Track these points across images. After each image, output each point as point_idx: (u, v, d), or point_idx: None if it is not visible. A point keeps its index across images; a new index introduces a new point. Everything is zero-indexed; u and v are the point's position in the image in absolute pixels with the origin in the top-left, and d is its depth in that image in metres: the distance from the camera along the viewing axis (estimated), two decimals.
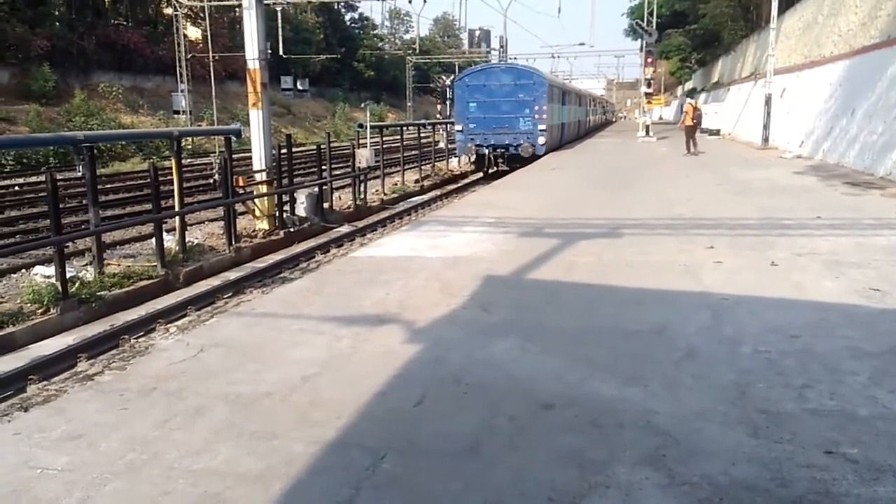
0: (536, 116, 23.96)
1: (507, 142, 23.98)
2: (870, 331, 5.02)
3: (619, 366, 4.48)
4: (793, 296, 6.02)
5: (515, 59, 67.00)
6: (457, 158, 26.41)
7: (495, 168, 24.52)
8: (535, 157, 23.41)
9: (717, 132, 34.60)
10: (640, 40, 42.34)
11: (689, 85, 67.47)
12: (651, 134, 33.65)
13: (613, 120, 71.07)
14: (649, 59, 34.44)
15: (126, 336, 7.35)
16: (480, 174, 25.46)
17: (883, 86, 15.83)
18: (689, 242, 8.40)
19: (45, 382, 5.99)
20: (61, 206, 11.62)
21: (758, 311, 5.56)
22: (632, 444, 3.44)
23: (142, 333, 7.60)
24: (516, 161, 23.39)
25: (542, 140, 23.98)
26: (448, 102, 71.21)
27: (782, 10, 26.74)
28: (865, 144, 16.25)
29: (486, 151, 24.09)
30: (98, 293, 8.76)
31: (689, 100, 28.01)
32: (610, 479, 3.13)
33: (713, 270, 7.00)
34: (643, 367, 4.43)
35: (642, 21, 33.74)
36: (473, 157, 24.47)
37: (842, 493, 2.97)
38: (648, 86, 35.05)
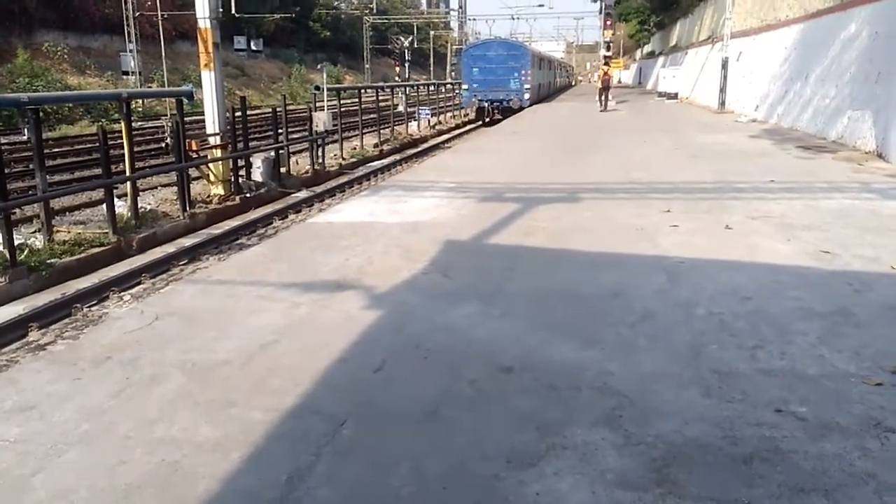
0: (523, 78, 31.86)
1: (501, 97, 31.69)
2: (819, 292, 5.17)
3: (577, 329, 4.53)
4: (746, 258, 6.14)
5: (475, 20, 66.71)
6: (416, 122, 27.37)
7: (490, 118, 31.67)
8: (520, 109, 30.89)
9: (675, 96, 34.87)
10: (599, 2, 42.26)
11: (647, 48, 67.75)
12: (610, 98, 33.74)
13: (573, 83, 71.39)
14: (608, 22, 34.50)
15: (78, 305, 7.19)
16: (443, 137, 27.44)
17: (836, 50, 16.08)
18: (646, 206, 8.50)
19: None
20: (7, 170, 11.20)
21: (712, 274, 5.67)
22: (588, 406, 3.50)
23: (95, 302, 7.43)
24: (508, 112, 30.46)
25: (527, 96, 32.09)
26: (407, 65, 70.70)
27: None
28: (818, 108, 16.56)
29: (486, 105, 31.90)
30: (48, 261, 8.53)
31: (602, 66, 32.92)
32: (567, 440, 3.18)
33: (669, 234, 7.10)
34: (600, 330, 4.49)
35: None
36: (475, 108, 32.45)
37: (790, 449, 3.06)
38: (608, 49, 35.10)
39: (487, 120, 31.69)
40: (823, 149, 13.91)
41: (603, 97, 28.77)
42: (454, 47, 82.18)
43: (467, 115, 34.75)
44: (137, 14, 37.31)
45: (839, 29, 16.05)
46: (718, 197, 9.06)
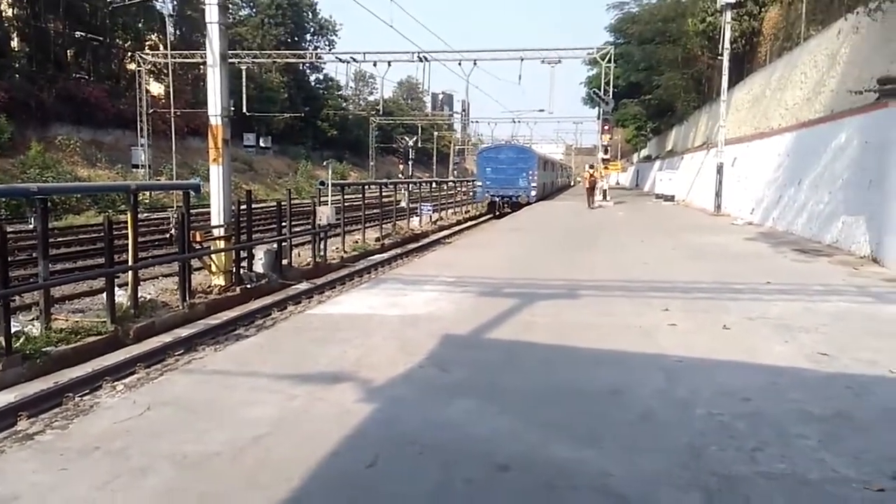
0: (531, 177, 35.96)
1: (511, 194, 35.87)
2: (818, 394, 5.12)
3: (576, 427, 4.47)
4: (744, 359, 6.11)
5: (477, 122, 69.66)
6: (418, 217, 27.81)
7: (500, 211, 35.62)
8: (528, 204, 34.59)
9: (672, 198, 35.57)
10: (597, 108, 43.78)
11: (644, 152, 69.61)
12: (608, 198, 34.45)
13: (572, 184, 73.09)
14: (606, 127, 35.59)
15: (70, 394, 7.10)
16: (445, 232, 27.90)
17: (827, 157, 16.53)
18: (645, 305, 8.52)
19: None
20: (10, 258, 11.31)
21: (711, 374, 5.64)
22: None
23: (87, 391, 7.35)
24: (517, 206, 34.23)
25: (534, 193, 36.06)
26: (410, 163, 72.59)
27: (732, 83, 27.94)
28: (812, 213, 16.85)
29: (497, 200, 36.31)
30: (43, 349, 8.49)
31: (588, 168, 36.13)
32: None
33: (668, 333, 7.09)
34: (599, 429, 4.43)
35: (599, 90, 34.92)
36: (487, 203, 37.02)
37: None
38: (605, 152, 36.18)
39: (498, 213, 35.66)
40: (819, 252, 14.07)
41: (591, 196, 32.03)
42: (457, 147, 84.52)
43: (468, 211, 38.19)
44: (151, 111, 38.63)
45: (831, 138, 16.56)
46: (716, 297, 9.10)
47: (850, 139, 15.18)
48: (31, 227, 9.41)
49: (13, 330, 8.28)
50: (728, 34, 26.18)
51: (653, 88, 46.51)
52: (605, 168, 37.14)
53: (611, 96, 34.76)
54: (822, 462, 3.93)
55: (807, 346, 6.53)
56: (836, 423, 4.54)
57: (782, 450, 4.10)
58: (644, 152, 70.01)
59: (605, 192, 35.14)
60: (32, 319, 9.65)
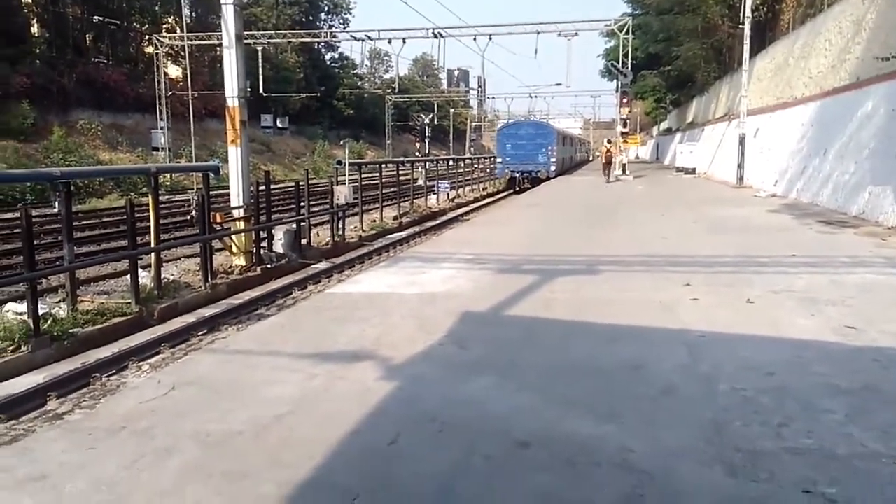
0: (550, 153, 36.32)
1: (530, 169, 36.20)
2: (845, 368, 5.04)
3: (596, 403, 4.45)
4: (769, 333, 6.04)
5: (493, 98, 69.26)
6: (435, 195, 27.66)
7: (520, 186, 36.09)
8: (548, 179, 34.94)
9: (693, 171, 35.12)
10: (615, 81, 43.26)
11: (664, 125, 68.79)
12: (628, 172, 34.12)
13: (590, 158, 72.52)
14: (625, 100, 35.12)
15: (97, 374, 7.20)
16: (462, 210, 27.51)
17: (853, 126, 16.20)
18: (666, 279, 8.45)
19: (12, 422, 5.82)
20: (36, 242, 11.45)
21: (734, 349, 5.58)
22: (608, 484, 3.40)
23: (113, 371, 7.44)
24: (536, 182, 34.65)
25: (553, 168, 36.38)
26: (427, 140, 72.38)
27: (754, 52, 27.41)
28: (838, 184, 16.56)
29: (517, 175, 36.71)
30: (70, 330, 8.60)
31: (605, 143, 35.89)
32: None
33: (690, 307, 7.02)
34: (620, 405, 4.40)
35: (617, 63, 34.43)
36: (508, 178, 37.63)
37: None
38: (624, 125, 35.72)
39: (518, 189, 35.97)
40: (845, 224, 13.84)
41: (607, 171, 32.08)
42: (473, 124, 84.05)
43: (485, 188, 38.01)
44: (170, 94, 38.78)
45: (856, 106, 16.21)
46: (740, 271, 8.99)
47: (877, 107, 14.86)
48: (55, 210, 9.49)
49: (41, 312, 8.39)
50: (749, 1, 25.61)
51: (672, 59, 45.79)
52: (625, 142, 36.73)
53: (629, 68, 34.22)
54: (849, 436, 3.88)
55: (833, 319, 6.44)
56: (863, 396, 4.48)
57: (809, 424, 4.05)
58: (664, 125, 69.18)
59: (624, 165, 34.80)
60: (59, 301, 9.77)
